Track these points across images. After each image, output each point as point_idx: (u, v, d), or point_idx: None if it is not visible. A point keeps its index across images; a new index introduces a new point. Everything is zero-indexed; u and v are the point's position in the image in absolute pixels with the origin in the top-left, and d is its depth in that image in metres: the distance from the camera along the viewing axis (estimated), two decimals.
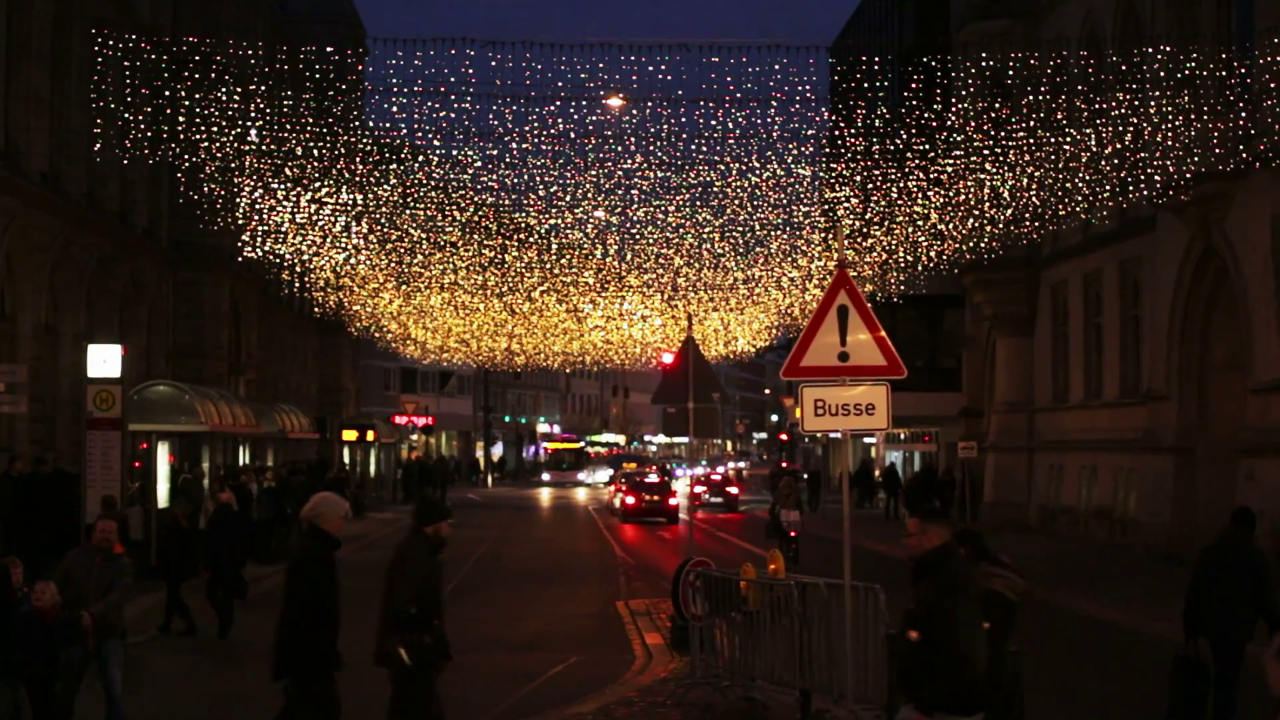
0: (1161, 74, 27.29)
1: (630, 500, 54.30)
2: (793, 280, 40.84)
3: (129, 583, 14.63)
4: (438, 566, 11.71)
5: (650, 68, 25.76)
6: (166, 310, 44.71)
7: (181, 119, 26.47)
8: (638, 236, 36.24)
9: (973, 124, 29.71)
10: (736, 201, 33.30)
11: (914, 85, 28.89)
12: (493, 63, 24.81)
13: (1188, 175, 30.16)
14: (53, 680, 13.67)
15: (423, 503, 12.47)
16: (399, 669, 11.32)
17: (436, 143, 27.91)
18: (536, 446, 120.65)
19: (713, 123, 28.03)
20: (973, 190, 31.43)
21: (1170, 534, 33.75)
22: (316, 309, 45.64)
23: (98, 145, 29.06)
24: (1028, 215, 32.46)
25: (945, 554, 9.23)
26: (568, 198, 31.95)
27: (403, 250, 37.12)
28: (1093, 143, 28.58)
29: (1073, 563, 33.53)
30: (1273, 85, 27.31)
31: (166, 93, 26.17)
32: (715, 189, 32.18)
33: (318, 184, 30.88)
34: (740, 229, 35.83)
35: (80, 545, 14.83)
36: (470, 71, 25.52)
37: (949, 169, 30.49)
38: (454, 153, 28.35)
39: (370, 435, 63.13)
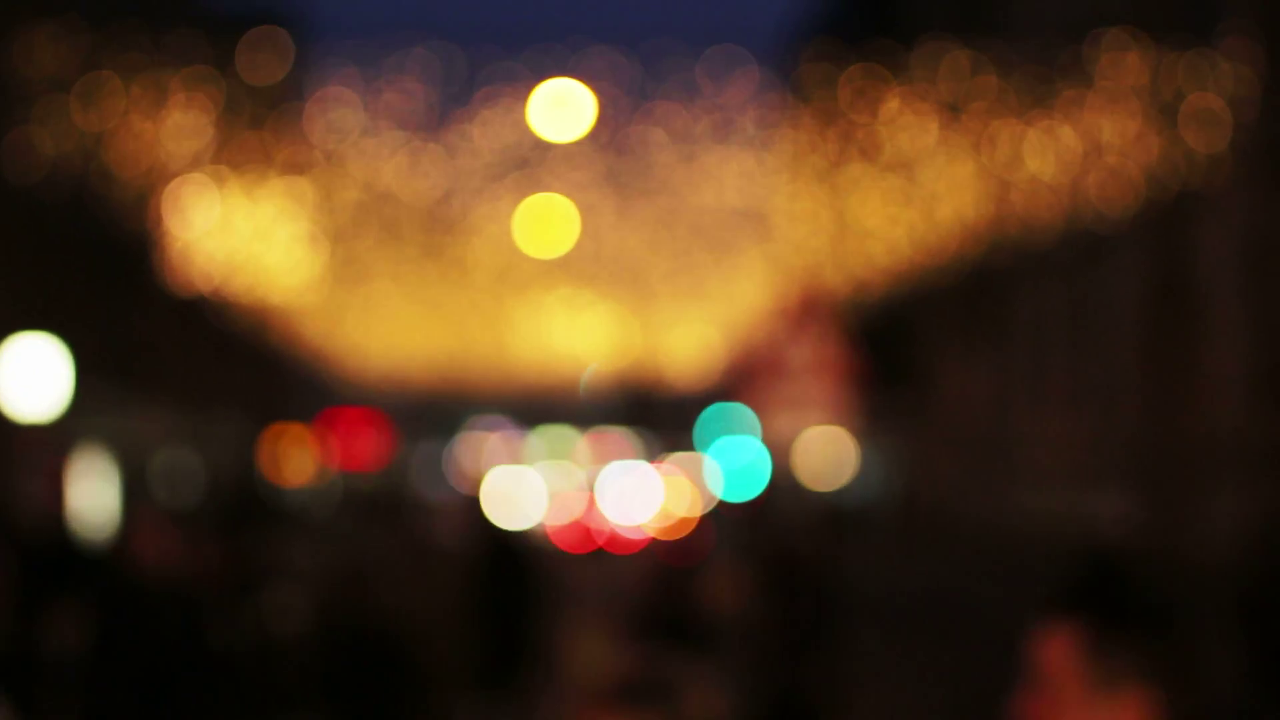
0: (1124, 83, 26.97)
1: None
2: (745, 287, 40.63)
3: None
4: None
5: (591, 65, 25.38)
6: (96, 314, 43.79)
7: (111, 107, 25.77)
8: (582, 241, 35.89)
9: (923, 134, 29.32)
10: (684, 207, 33.02)
11: (861, 93, 28.44)
12: (418, 57, 24.46)
13: (1152, 187, 29.87)
14: None
15: None
16: None
17: (370, 141, 27.45)
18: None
19: (658, 125, 27.70)
20: (926, 203, 31.08)
21: (1125, 549, 33.45)
22: (249, 315, 45.03)
23: (27, 140, 28.28)
24: (983, 228, 32.09)
25: None
26: (495, 197, 31.63)
27: (339, 253, 36.69)
28: (1051, 154, 28.23)
29: (1021, 579, 33.12)
30: (1240, 98, 27.08)
31: (94, 82, 25.46)
32: (662, 192, 31.86)
33: (252, 180, 30.28)
34: (689, 235, 35.51)
35: None
36: (412, 67, 25.18)
37: (900, 180, 30.14)
38: (390, 151, 27.87)
39: (309, 450, 62.30)
